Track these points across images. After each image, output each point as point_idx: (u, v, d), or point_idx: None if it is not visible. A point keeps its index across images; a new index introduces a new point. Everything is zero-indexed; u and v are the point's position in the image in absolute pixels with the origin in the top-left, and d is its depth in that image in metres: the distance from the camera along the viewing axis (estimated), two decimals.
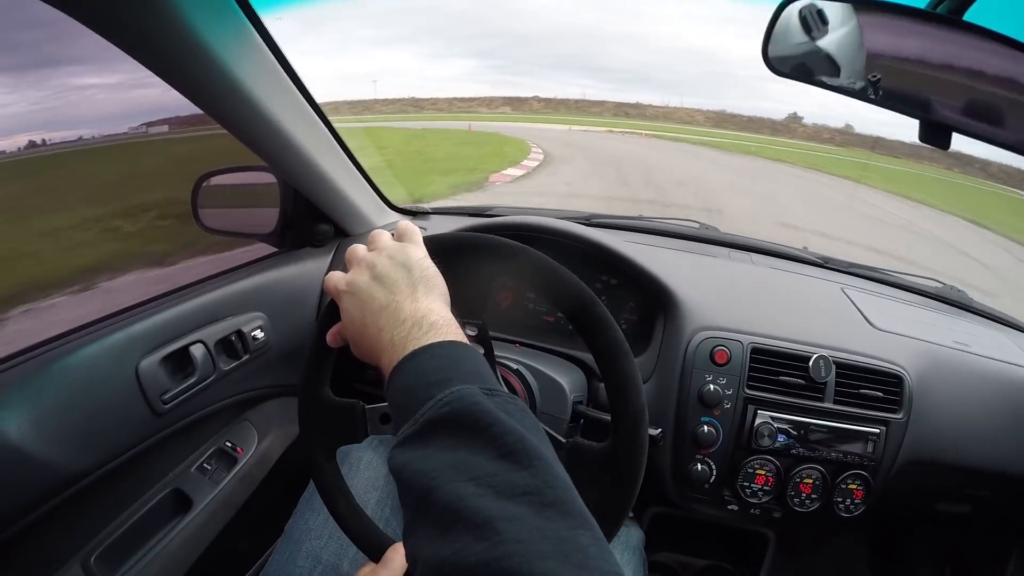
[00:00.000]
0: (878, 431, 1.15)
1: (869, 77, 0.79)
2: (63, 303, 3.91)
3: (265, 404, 1.46)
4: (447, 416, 0.49)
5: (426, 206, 1.81)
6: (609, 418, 0.78)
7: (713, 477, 1.18)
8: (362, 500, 0.86)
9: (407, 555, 0.46)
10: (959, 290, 1.65)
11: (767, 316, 1.26)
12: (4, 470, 0.86)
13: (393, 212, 1.71)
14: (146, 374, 1.05)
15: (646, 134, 32.29)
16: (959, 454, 1.22)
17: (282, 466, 1.47)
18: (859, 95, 0.81)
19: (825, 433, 1.15)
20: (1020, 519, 1.43)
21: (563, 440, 0.81)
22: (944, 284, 1.66)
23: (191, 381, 1.14)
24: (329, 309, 0.75)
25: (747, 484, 1.18)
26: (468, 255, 0.79)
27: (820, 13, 0.82)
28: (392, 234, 0.74)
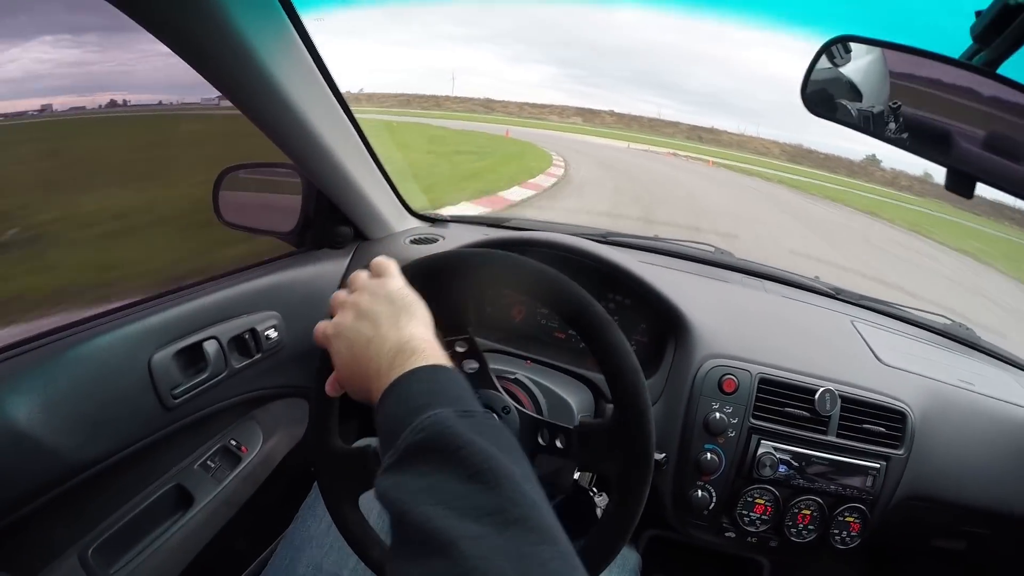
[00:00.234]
0: (878, 466, 1.16)
1: (900, 122, 0.80)
2: None
3: (273, 404, 1.47)
4: (422, 442, 0.50)
5: (445, 214, 1.83)
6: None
7: (713, 504, 1.18)
8: (364, 509, 0.87)
9: None
10: (967, 328, 1.65)
11: (776, 346, 1.26)
12: (11, 456, 0.87)
13: (413, 218, 1.73)
14: (159, 367, 1.06)
15: (712, 162, 29.37)
16: (958, 492, 1.22)
17: (286, 467, 1.47)
18: (889, 139, 0.82)
19: (826, 466, 1.15)
20: (1015, 557, 1.43)
21: (571, 426, 0.84)
22: (953, 321, 1.67)
23: (202, 377, 1.15)
24: (322, 360, 0.78)
25: (746, 512, 1.18)
26: (444, 274, 0.83)
27: (847, 52, 0.84)
28: (368, 272, 0.77)
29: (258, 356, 1.27)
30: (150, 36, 0.89)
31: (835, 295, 1.65)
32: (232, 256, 1.56)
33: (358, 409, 0.74)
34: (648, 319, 1.37)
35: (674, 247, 1.74)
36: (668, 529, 1.29)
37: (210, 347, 1.16)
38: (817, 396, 1.15)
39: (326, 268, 1.48)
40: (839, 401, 1.15)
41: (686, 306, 1.28)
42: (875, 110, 0.83)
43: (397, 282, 0.73)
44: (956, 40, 0.78)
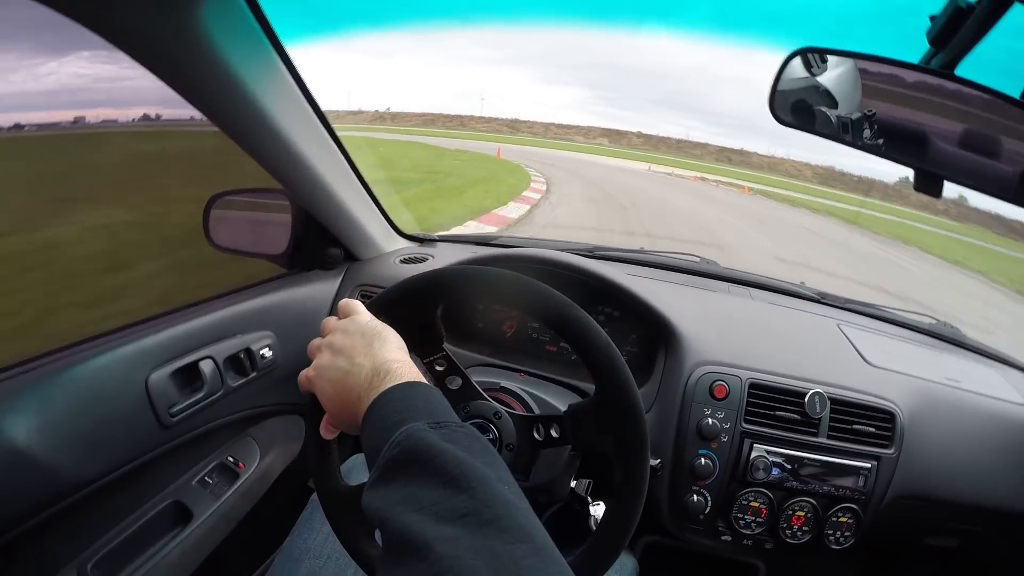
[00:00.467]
0: (869, 466, 1.17)
1: (866, 128, 0.83)
2: None
3: (269, 421, 1.48)
4: (398, 456, 0.53)
5: (433, 234, 1.85)
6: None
7: (708, 508, 1.19)
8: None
9: None
10: (952, 326, 1.67)
11: (765, 352, 1.28)
12: (10, 474, 0.88)
13: (401, 239, 1.75)
14: (156, 387, 1.07)
15: (748, 189, 26.31)
16: (949, 489, 1.24)
17: (282, 483, 1.48)
18: (856, 144, 0.85)
19: (818, 467, 1.16)
20: (1008, 554, 1.43)
21: (561, 413, 0.86)
22: (938, 320, 1.69)
23: (199, 396, 1.16)
24: (311, 406, 0.80)
25: (741, 516, 1.20)
26: (408, 301, 0.86)
27: (823, 61, 0.86)
28: (337, 316, 0.80)
29: (253, 375, 1.29)
30: None
31: (820, 300, 1.67)
32: None
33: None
34: (638, 330, 1.39)
35: (660, 259, 1.77)
36: (665, 535, 1.30)
37: (206, 366, 1.17)
38: (807, 399, 1.17)
39: (318, 288, 1.50)
40: (828, 403, 1.17)
41: (675, 316, 1.30)
42: (849, 124, 0.86)
43: (365, 316, 0.77)
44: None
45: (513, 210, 10.57)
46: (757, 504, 1.19)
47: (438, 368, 0.89)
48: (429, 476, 0.50)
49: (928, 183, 0.81)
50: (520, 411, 1.04)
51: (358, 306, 0.79)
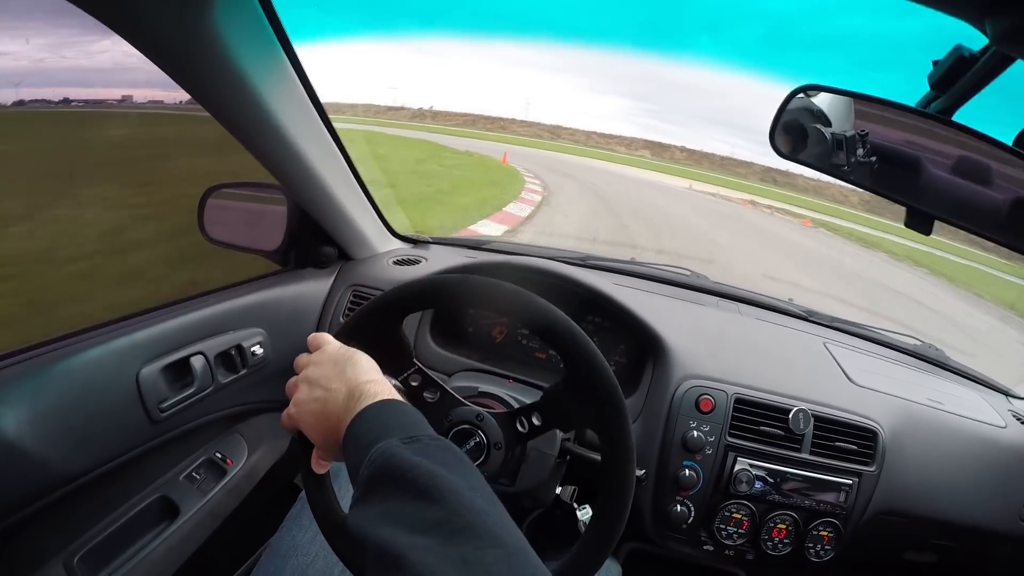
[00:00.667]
0: (851, 482, 1.19)
1: (866, 157, 0.85)
2: None
3: (257, 418, 1.48)
4: (373, 474, 0.55)
5: (427, 236, 1.85)
6: (598, 457, 0.83)
7: (691, 518, 1.21)
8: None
9: None
10: (937, 348, 1.70)
11: (751, 367, 1.30)
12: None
13: (395, 239, 1.75)
14: (146, 381, 1.07)
15: (810, 222, 21.13)
16: (928, 507, 1.26)
17: (270, 480, 1.48)
18: (855, 179, 0.86)
19: (800, 482, 1.18)
20: (983, 570, 1.47)
21: (538, 400, 0.88)
22: (922, 342, 1.71)
23: (189, 391, 1.16)
24: (298, 445, 0.81)
25: (723, 526, 1.21)
26: (371, 323, 0.88)
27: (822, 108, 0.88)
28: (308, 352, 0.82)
29: (244, 371, 1.29)
30: None
31: (807, 317, 1.69)
32: None
33: None
34: (626, 341, 1.41)
35: (651, 271, 1.78)
36: (648, 542, 1.32)
37: (197, 362, 1.17)
38: (791, 415, 1.19)
39: (310, 287, 1.50)
40: (812, 420, 1.19)
41: (663, 328, 1.31)
42: (843, 140, 0.87)
43: (334, 345, 0.80)
44: None
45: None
46: (739, 516, 1.20)
47: (413, 383, 0.91)
48: (403, 491, 0.51)
49: (919, 221, 0.83)
50: (500, 410, 1.06)
51: (326, 337, 0.82)
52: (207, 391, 1.20)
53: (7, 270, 3.94)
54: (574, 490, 1.14)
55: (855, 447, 1.20)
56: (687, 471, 1.19)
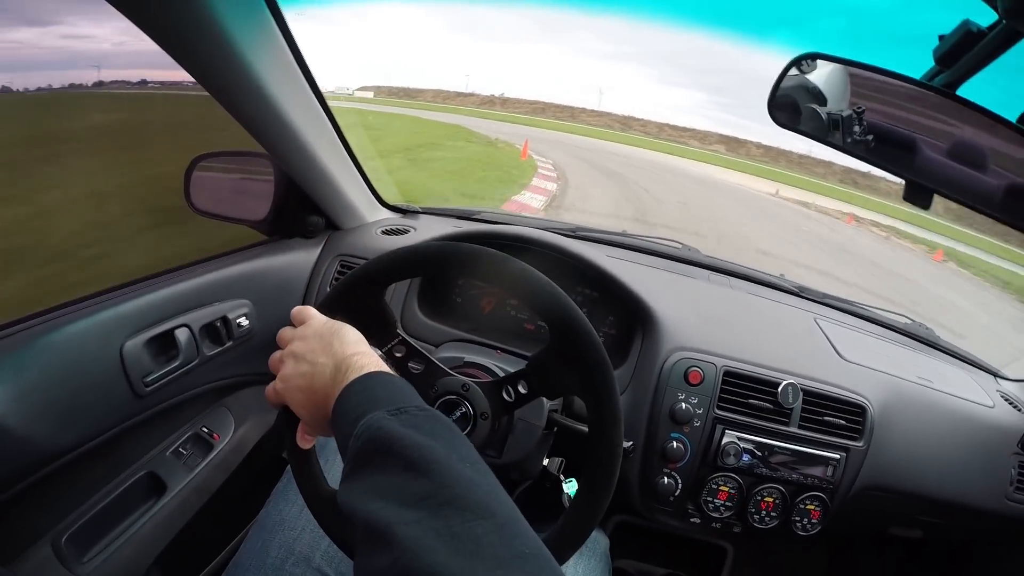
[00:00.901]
0: (838, 457, 1.20)
1: (862, 136, 0.83)
2: None
3: (243, 391, 1.47)
4: (361, 448, 0.54)
5: (416, 206, 1.83)
6: (585, 428, 0.83)
7: (678, 490, 1.21)
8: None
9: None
10: (927, 327, 1.70)
11: (741, 340, 1.30)
12: None
13: (384, 209, 1.73)
14: (130, 355, 1.06)
15: (941, 255, 15.43)
16: (914, 483, 1.27)
17: (257, 454, 1.48)
18: (852, 151, 0.85)
19: (788, 456, 1.19)
20: (968, 546, 1.49)
21: (523, 367, 0.88)
22: (913, 320, 1.72)
23: (174, 365, 1.14)
24: (282, 418, 0.80)
25: (710, 499, 1.22)
26: (353, 294, 0.87)
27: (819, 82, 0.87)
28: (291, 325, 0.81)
29: (229, 344, 1.27)
30: None
31: (799, 293, 1.69)
32: None
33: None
34: (616, 312, 1.40)
35: (642, 243, 1.77)
36: (635, 515, 1.33)
37: (182, 335, 1.16)
38: (780, 389, 1.19)
39: (298, 257, 1.48)
40: (801, 394, 1.19)
41: (653, 300, 1.30)
42: (839, 120, 0.86)
43: (319, 319, 0.78)
44: None
45: None
46: (726, 489, 1.21)
47: (397, 354, 0.90)
48: (391, 463, 0.50)
49: (917, 194, 0.82)
50: (486, 379, 1.05)
51: (310, 311, 0.81)
52: (192, 364, 1.19)
53: None
54: (561, 462, 1.14)
55: (843, 422, 1.21)
56: (675, 443, 1.19)
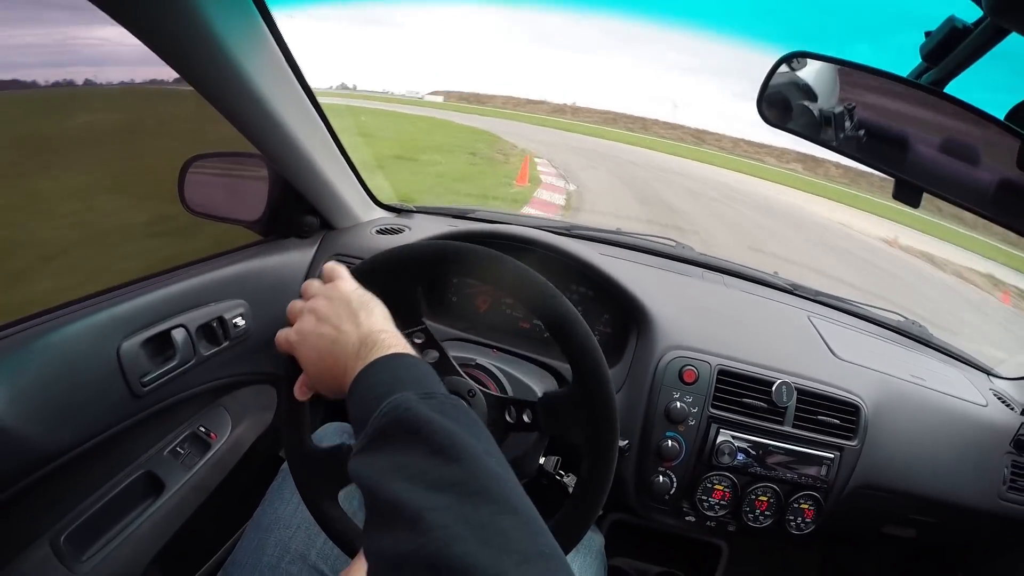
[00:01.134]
0: (832, 456, 1.20)
1: (853, 132, 0.84)
2: None
3: (240, 391, 1.47)
4: (387, 424, 0.54)
5: (411, 205, 1.83)
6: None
7: (673, 489, 1.22)
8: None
9: (364, 551, 0.49)
10: (920, 325, 1.71)
11: (736, 339, 1.30)
12: None
13: (379, 208, 1.73)
14: (127, 356, 1.06)
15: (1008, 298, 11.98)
16: (908, 482, 1.28)
17: (254, 453, 1.48)
18: (843, 150, 0.85)
19: (782, 455, 1.19)
20: (962, 545, 1.50)
21: (535, 399, 0.88)
22: (906, 319, 1.72)
23: (171, 365, 1.14)
24: (287, 366, 0.80)
25: (705, 498, 1.22)
26: (393, 272, 0.86)
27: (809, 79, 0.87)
28: (320, 278, 0.80)
29: (226, 344, 1.27)
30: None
31: (792, 291, 1.69)
32: None
33: (323, 397, 0.76)
34: (611, 311, 1.40)
35: (636, 241, 1.77)
36: (631, 513, 1.33)
37: (178, 335, 1.16)
38: (774, 388, 1.19)
39: (293, 257, 1.48)
40: (795, 393, 1.20)
41: (648, 299, 1.31)
42: (831, 116, 0.86)
43: (350, 284, 0.77)
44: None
45: None
46: (721, 487, 1.21)
47: (416, 341, 0.90)
48: (419, 445, 0.50)
49: (907, 192, 0.82)
50: (494, 390, 1.05)
51: (343, 272, 0.79)
52: (189, 364, 1.19)
53: None
54: (558, 460, 1.15)
55: (837, 421, 1.22)
56: (670, 442, 1.20)
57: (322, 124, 1.34)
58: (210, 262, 1.32)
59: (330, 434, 1.18)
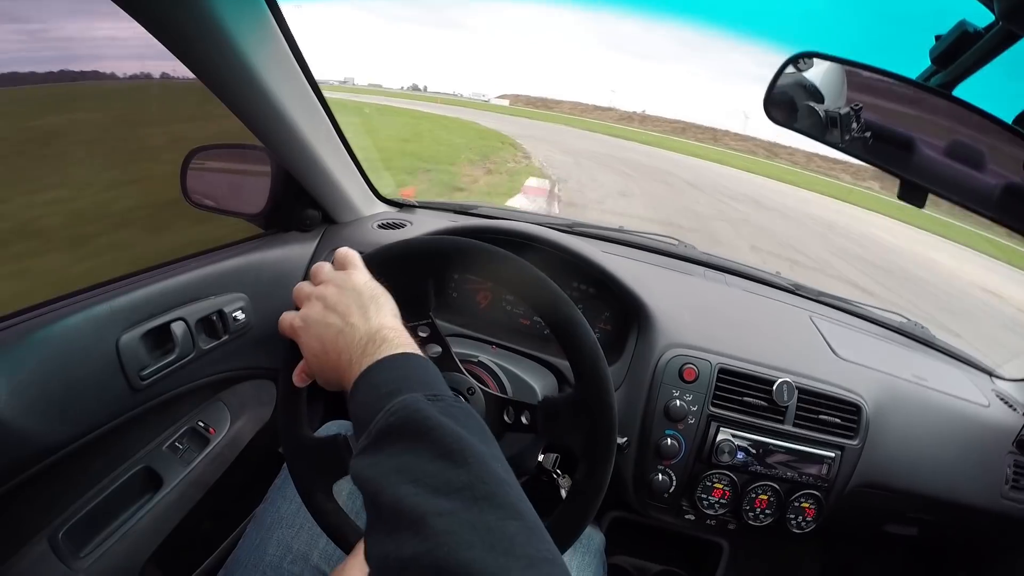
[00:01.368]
0: (833, 455, 1.20)
1: (859, 133, 0.83)
2: None
3: (240, 386, 1.47)
4: (393, 425, 0.53)
5: (413, 200, 1.83)
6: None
7: (673, 487, 1.22)
8: (334, 490, 0.88)
9: (365, 554, 0.49)
10: (923, 326, 1.71)
11: (736, 338, 1.30)
12: None
13: (381, 203, 1.73)
14: (126, 349, 1.05)
15: None
16: (909, 481, 1.27)
17: (253, 449, 1.47)
18: (849, 150, 0.85)
19: (783, 453, 1.19)
20: (963, 544, 1.50)
21: (536, 403, 0.87)
22: (908, 319, 1.72)
23: (170, 358, 1.14)
24: (289, 351, 0.79)
25: (705, 496, 1.22)
26: (409, 263, 0.85)
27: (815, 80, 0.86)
28: (332, 263, 0.79)
29: (226, 338, 1.27)
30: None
31: (794, 291, 1.69)
32: None
33: (323, 392, 0.76)
34: (612, 308, 1.40)
35: (638, 239, 1.77)
36: (631, 511, 1.33)
37: (178, 328, 1.15)
38: (775, 387, 1.19)
39: (294, 251, 1.48)
40: (796, 392, 1.19)
41: (649, 296, 1.30)
42: (837, 118, 0.86)
43: (363, 274, 0.75)
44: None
45: None
46: (721, 486, 1.21)
47: (421, 335, 0.89)
48: (425, 447, 0.50)
49: (912, 193, 0.82)
50: (494, 389, 1.05)
51: (356, 260, 0.78)
52: (188, 358, 1.18)
53: None
54: (556, 458, 1.15)
55: (839, 420, 1.21)
56: (669, 440, 1.20)
57: (326, 117, 1.33)
58: (210, 255, 1.32)
59: (330, 430, 1.18)
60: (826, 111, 0.88)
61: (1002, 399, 1.42)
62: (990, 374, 1.59)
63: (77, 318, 0.99)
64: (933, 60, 0.76)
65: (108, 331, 1.03)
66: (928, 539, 1.47)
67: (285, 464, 1.10)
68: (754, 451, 1.19)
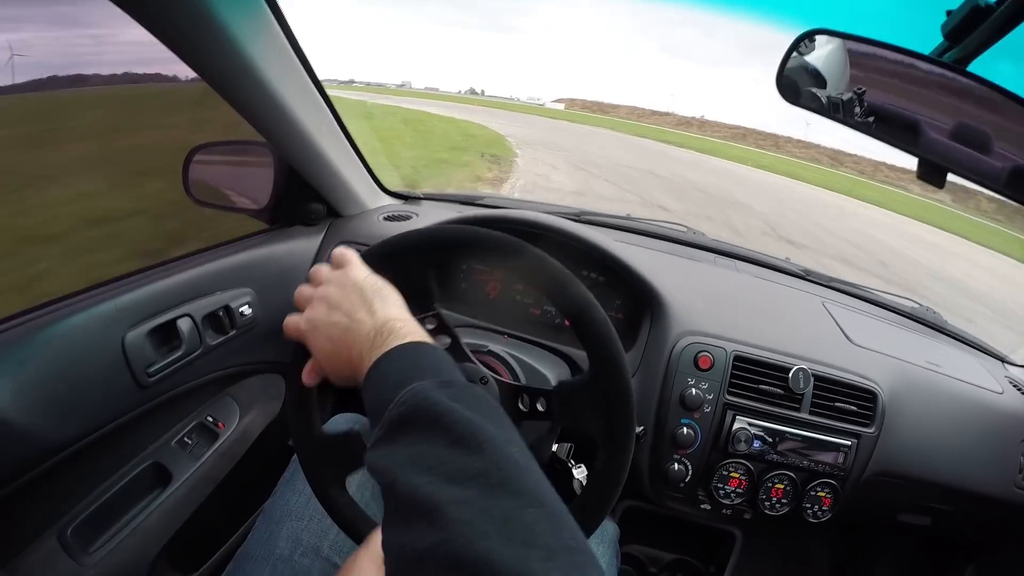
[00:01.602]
0: (850, 443, 1.18)
1: (862, 118, 0.82)
2: None
3: (248, 380, 1.46)
4: (404, 414, 0.52)
5: (418, 192, 1.82)
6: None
7: (689, 477, 1.20)
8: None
9: (383, 545, 0.48)
10: (935, 312, 1.69)
11: (751, 325, 1.28)
12: None
13: (386, 195, 1.72)
14: (133, 346, 1.05)
15: None
16: (924, 469, 1.26)
17: (263, 443, 1.47)
18: (862, 128, 0.83)
19: (799, 442, 1.18)
20: (977, 534, 1.48)
21: (550, 388, 0.86)
22: (920, 305, 1.70)
23: (177, 355, 1.14)
24: (296, 352, 0.79)
25: (721, 486, 1.21)
26: (406, 257, 0.85)
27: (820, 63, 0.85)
28: (329, 263, 0.79)
29: (233, 333, 1.27)
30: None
31: (805, 276, 1.67)
32: None
33: (331, 387, 0.75)
34: (623, 296, 1.38)
35: (648, 227, 1.75)
36: (645, 500, 1.32)
37: (184, 324, 1.15)
38: (791, 374, 1.17)
39: (299, 245, 1.47)
40: (812, 379, 1.18)
41: (661, 284, 1.29)
42: (844, 97, 0.84)
43: (361, 270, 0.75)
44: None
45: None
46: (737, 475, 1.20)
47: (428, 327, 0.87)
48: (438, 435, 0.49)
49: (932, 173, 0.80)
50: (507, 378, 1.03)
51: (353, 257, 0.77)
52: (195, 354, 1.18)
53: None
54: (571, 448, 1.13)
55: (854, 408, 1.20)
56: (685, 429, 1.18)
57: (328, 111, 1.32)
58: (216, 251, 1.31)
59: (340, 424, 1.18)
60: (827, 97, 0.86)
61: (1015, 385, 1.41)
62: (1002, 360, 1.57)
63: (82, 316, 0.99)
64: (945, 36, 0.75)
65: (114, 329, 1.03)
66: (941, 529, 1.46)
67: (294, 457, 1.09)
68: (770, 439, 1.18)
